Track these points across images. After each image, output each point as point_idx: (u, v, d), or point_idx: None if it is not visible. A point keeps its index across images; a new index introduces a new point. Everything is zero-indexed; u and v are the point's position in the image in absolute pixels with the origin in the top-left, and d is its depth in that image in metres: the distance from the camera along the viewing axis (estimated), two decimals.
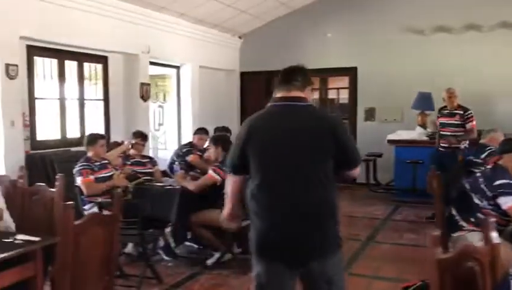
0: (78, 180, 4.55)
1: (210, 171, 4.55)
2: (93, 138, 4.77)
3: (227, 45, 9.70)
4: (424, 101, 7.90)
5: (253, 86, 10.02)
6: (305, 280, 2.32)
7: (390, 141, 7.76)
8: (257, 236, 2.29)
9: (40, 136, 6.10)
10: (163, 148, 8.75)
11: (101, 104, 7.14)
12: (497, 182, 3.17)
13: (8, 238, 2.86)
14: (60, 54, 6.35)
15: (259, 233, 2.27)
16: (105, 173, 4.75)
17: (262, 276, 2.28)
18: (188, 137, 8.68)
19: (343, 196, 7.56)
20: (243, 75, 10.13)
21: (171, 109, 8.80)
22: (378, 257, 4.94)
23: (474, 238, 3.22)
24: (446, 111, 6.41)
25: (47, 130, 6.28)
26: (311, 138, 2.26)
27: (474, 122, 6.21)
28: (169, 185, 4.77)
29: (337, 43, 9.35)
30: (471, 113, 6.28)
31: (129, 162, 5.34)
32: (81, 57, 6.69)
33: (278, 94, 2.39)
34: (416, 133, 7.69)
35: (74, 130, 6.64)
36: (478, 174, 3.41)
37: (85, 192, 4.51)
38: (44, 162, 5.71)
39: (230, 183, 2.51)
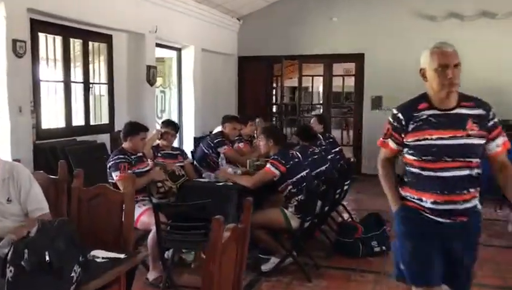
0: (115, 175, 3.90)
1: (268, 165, 4.03)
2: (135, 129, 4.11)
3: (227, 27, 9.09)
4: None
5: (253, 71, 9.48)
6: None
7: None
8: None
9: (45, 124, 5.34)
10: None
11: (105, 88, 6.40)
12: None
13: (85, 256, 2.24)
14: (65, 31, 5.58)
15: None
16: (143, 168, 4.13)
17: None
18: (189, 125, 8.10)
19: (366, 189, 7.23)
20: (242, 60, 9.54)
21: (172, 95, 8.13)
22: None
23: None
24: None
25: (51, 118, 5.52)
26: None
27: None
28: (221, 182, 4.19)
29: (343, 28, 8.94)
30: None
31: (159, 155, 4.71)
32: (86, 35, 5.93)
33: None
34: None
35: (79, 118, 5.91)
36: None
37: (122, 189, 3.86)
38: (55, 153, 4.98)
39: None
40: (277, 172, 3.99)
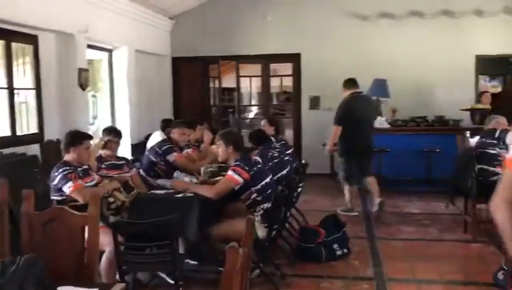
0: (67, 187, 3.46)
1: (230, 173, 3.76)
2: (78, 138, 3.67)
3: (159, 27, 8.67)
4: (379, 88, 7.78)
5: (188, 72, 9.12)
6: None
7: None
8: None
9: None
10: None
11: (32, 93, 5.78)
12: None
13: None
14: None
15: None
16: (90, 181, 3.71)
17: None
18: (124, 132, 7.57)
19: (312, 189, 7.14)
20: (176, 60, 9.15)
21: (104, 100, 7.57)
22: (400, 256, 4.57)
23: None
24: None
25: None
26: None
27: None
28: (179, 193, 3.83)
29: (278, 28, 8.85)
30: None
31: (103, 166, 4.28)
32: (8, 35, 5.30)
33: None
34: (377, 122, 7.52)
35: (4, 128, 5.27)
36: None
37: (81, 200, 3.44)
38: None
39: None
40: (240, 180, 3.73)
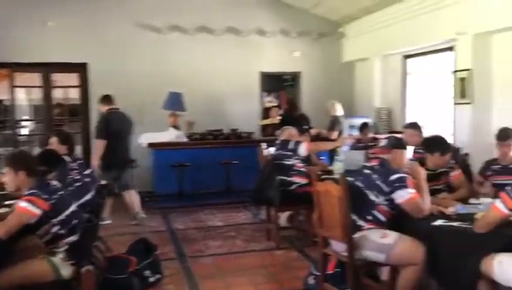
0: None
1: (23, 204, 3.06)
2: None
3: None
4: (175, 102, 7.68)
5: None
6: None
7: (152, 145, 7.19)
8: None
9: None
10: None
11: None
12: (393, 177, 3.31)
13: None
14: None
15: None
16: None
17: None
18: None
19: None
20: None
21: None
22: (213, 273, 4.47)
23: (375, 236, 3.30)
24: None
25: None
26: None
27: None
28: None
29: (62, 35, 8.05)
30: None
31: None
32: None
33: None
34: (174, 135, 7.39)
35: None
36: (368, 171, 3.47)
37: None
38: None
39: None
40: (38, 211, 3.08)
